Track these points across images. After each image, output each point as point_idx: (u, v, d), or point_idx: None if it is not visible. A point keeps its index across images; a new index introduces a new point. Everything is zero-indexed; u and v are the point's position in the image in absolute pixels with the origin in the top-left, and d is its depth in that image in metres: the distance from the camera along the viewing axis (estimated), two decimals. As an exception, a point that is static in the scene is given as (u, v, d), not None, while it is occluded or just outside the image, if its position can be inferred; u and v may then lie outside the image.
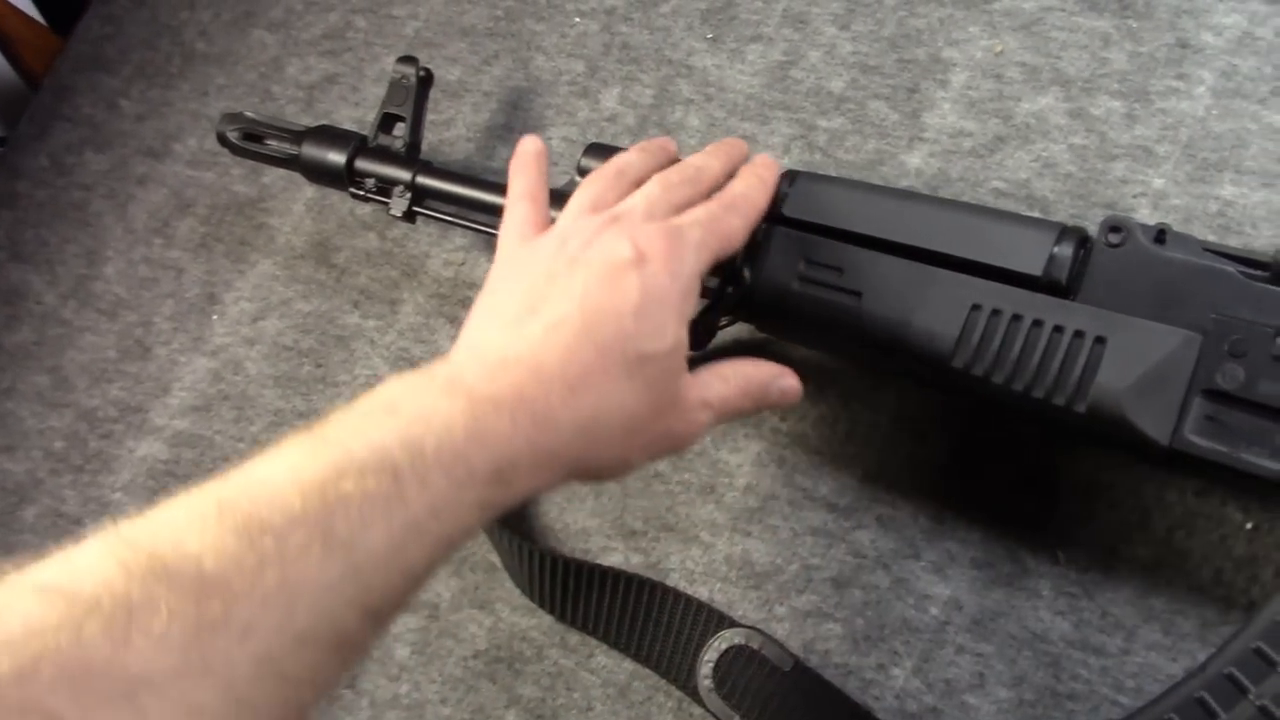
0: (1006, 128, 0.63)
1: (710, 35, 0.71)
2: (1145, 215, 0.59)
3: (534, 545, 0.61)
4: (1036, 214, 0.60)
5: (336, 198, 0.76)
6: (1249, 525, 0.52)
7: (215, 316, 0.76)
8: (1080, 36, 0.63)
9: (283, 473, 0.39)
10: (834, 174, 0.65)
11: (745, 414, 0.54)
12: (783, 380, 0.53)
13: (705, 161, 0.55)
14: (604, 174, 0.55)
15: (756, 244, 0.57)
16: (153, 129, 0.84)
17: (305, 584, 0.38)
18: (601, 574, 0.59)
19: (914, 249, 0.54)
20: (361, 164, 0.68)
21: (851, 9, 0.69)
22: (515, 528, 0.62)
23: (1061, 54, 0.63)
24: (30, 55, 0.90)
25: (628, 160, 0.56)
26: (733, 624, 0.57)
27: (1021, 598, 0.54)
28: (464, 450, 0.42)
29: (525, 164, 0.56)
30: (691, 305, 0.49)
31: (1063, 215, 0.60)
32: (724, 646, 0.56)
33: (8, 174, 0.88)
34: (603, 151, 0.63)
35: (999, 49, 0.65)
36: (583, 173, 0.63)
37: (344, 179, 0.68)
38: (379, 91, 0.78)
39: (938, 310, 0.53)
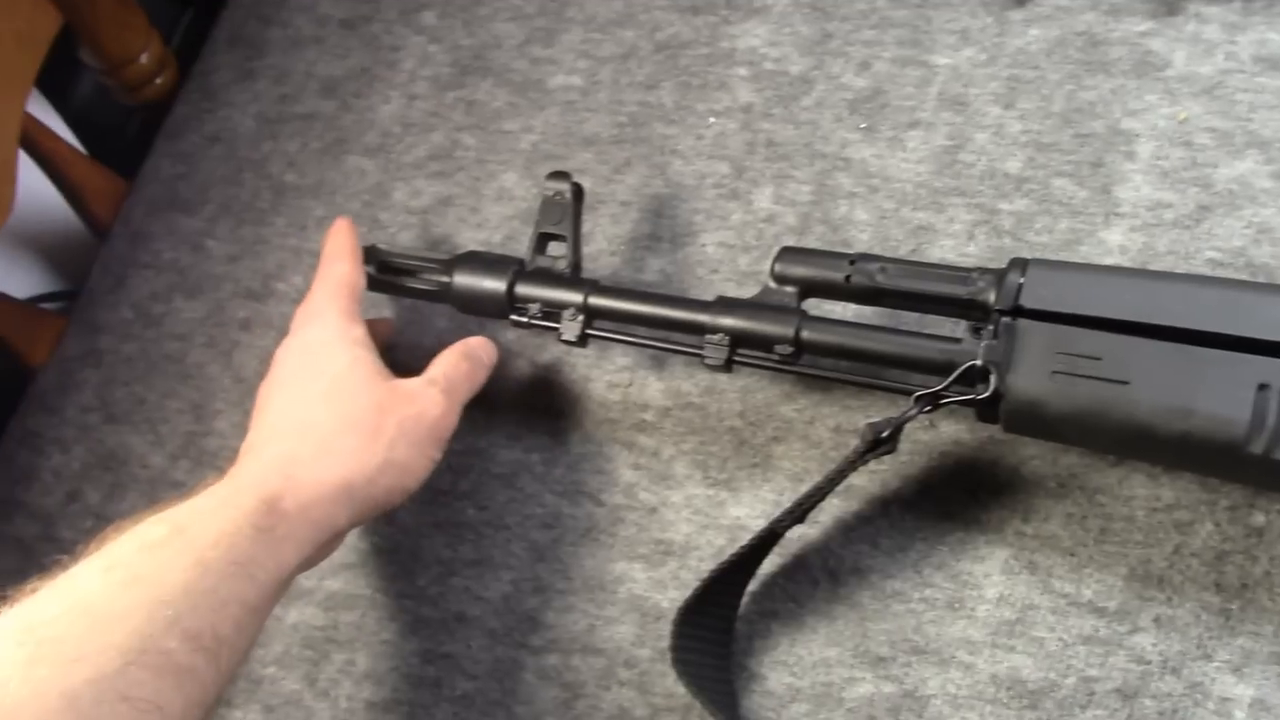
0: (1209, 196, 0.61)
1: (863, 125, 0.69)
2: (1381, 273, 0.57)
3: None
4: (1263, 280, 0.58)
5: (474, 326, 0.71)
6: None
7: (353, 464, 0.70)
8: (1267, 97, 0.62)
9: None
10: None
11: (470, 379, 0.63)
12: (475, 340, 0.65)
13: None
14: None
15: (996, 342, 0.54)
16: (249, 269, 0.79)
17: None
18: None
19: (1180, 330, 0.51)
20: (523, 289, 0.64)
21: (1012, 87, 0.67)
22: (730, 704, 0.57)
23: (1251, 116, 0.62)
24: (97, 203, 0.85)
25: None
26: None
27: (1335, 691, 0.51)
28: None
29: None
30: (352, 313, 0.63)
31: (1290, 280, 0.58)
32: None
33: (86, 330, 0.82)
34: (797, 255, 0.60)
35: (1183, 116, 0.63)
36: (779, 280, 0.60)
37: (505, 307, 0.64)
38: (502, 210, 0.75)
39: (1220, 393, 0.50)
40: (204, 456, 0.74)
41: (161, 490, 0.74)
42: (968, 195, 0.65)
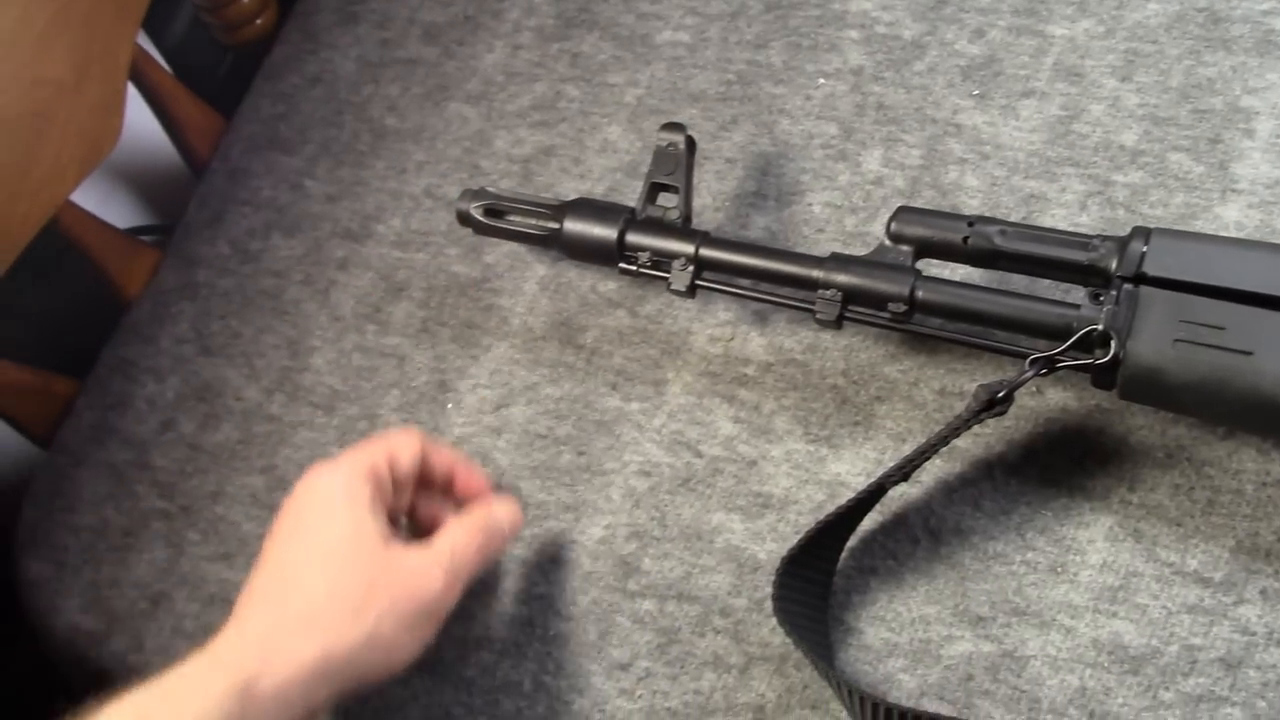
0: (1330, 176, 0.61)
1: (976, 92, 0.69)
2: None
3: (866, 694, 0.55)
4: (1383, 263, 0.58)
5: (574, 275, 0.72)
6: None
7: (450, 405, 0.71)
8: (1394, 79, 0.62)
9: None
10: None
11: (481, 554, 0.59)
12: (499, 506, 0.61)
13: None
14: None
15: (1117, 308, 0.54)
16: (348, 210, 0.80)
17: None
18: None
19: (1311, 304, 0.51)
20: (634, 237, 0.64)
21: (1130, 60, 0.67)
22: (826, 655, 0.57)
23: (1376, 98, 0.62)
24: (197, 138, 0.86)
25: None
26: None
27: None
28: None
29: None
30: (358, 498, 0.58)
31: None
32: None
33: (182, 263, 0.83)
34: (915, 215, 0.60)
35: (1305, 95, 0.63)
36: (895, 238, 0.60)
37: (614, 254, 0.65)
38: (605, 162, 0.75)
39: (1347, 368, 0.50)
40: (299, 392, 0.75)
41: (255, 423, 0.75)
42: (1081, 166, 0.65)
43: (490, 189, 0.69)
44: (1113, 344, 0.54)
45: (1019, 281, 0.62)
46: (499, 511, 0.61)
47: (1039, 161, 0.66)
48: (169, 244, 0.84)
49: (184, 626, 0.71)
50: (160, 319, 0.81)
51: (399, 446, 0.61)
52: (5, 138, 0.69)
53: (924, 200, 0.67)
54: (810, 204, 0.69)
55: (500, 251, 0.74)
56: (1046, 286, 0.61)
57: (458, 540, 0.59)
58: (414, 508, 0.63)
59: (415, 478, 0.62)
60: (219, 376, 0.78)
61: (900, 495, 0.61)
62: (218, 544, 0.72)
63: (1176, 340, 0.53)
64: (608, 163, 0.75)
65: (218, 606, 0.71)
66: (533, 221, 0.67)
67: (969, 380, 0.62)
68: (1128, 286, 0.54)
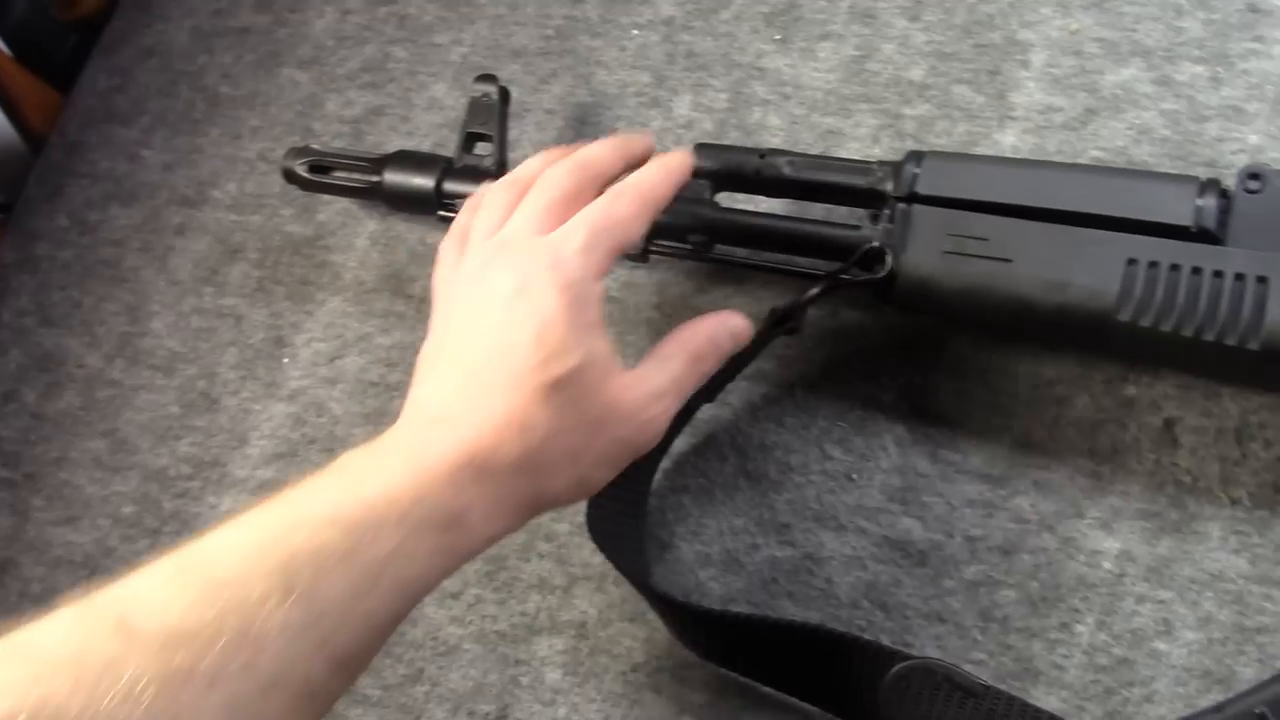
0: (1095, 100, 0.65)
1: (778, 37, 0.72)
2: (1247, 169, 0.61)
3: (674, 600, 0.58)
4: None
5: (403, 228, 0.74)
6: (1407, 448, 0.54)
7: (286, 360, 0.73)
8: (1152, 9, 0.66)
9: (236, 534, 0.42)
10: (932, 157, 0.66)
11: (708, 374, 0.55)
12: (729, 323, 0.56)
13: (596, 153, 0.55)
14: (497, 191, 0.56)
15: (893, 226, 0.57)
16: (184, 177, 0.81)
17: (268, 632, 0.40)
18: (770, 628, 0.56)
19: (1059, 212, 0.55)
20: (451, 185, 0.67)
21: (918, 1, 0.70)
22: (642, 570, 0.60)
23: (1136, 27, 0.66)
24: (34, 115, 0.86)
25: (528, 169, 0.56)
26: (906, 657, 0.52)
27: (1193, 541, 0.55)
28: (410, 507, 0.44)
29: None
30: (594, 310, 0.50)
31: (1165, 177, 0.62)
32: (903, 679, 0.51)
33: (22, 238, 0.83)
34: (711, 150, 0.63)
35: (1075, 27, 0.67)
36: (694, 174, 0.63)
37: (433, 203, 0.67)
38: (432, 119, 0.77)
39: (1094, 268, 0.54)
40: (139, 356, 0.76)
41: (97, 389, 0.76)
42: (874, 101, 0.69)
43: (314, 145, 0.71)
44: (888, 259, 0.57)
45: (819, 210, 0.65)
46: (738, 326, 0.56)
47: (835, 99, 0.70)
48: (8, 221, 0.85)
49: (30, 590, 0.72)
50: (0, 294, 0.82)
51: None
52: None
53: (731, 141, 0.70)
54: (625, 149, 0.72)
55: (332, 210, 0.76)
56: (845, 213, 0.65)
57: (680, 370, 0.53)
58: None
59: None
60: (60, 346, 0.79)
61: (711, 417, 0.64)
62: (63, 508, 0.73)
63: (945, 252, 0.56)
64: (435, 119, 0.77)
65: (64, 569, 0.72)
66: (356, 175, 0.69)
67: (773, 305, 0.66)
68: (902, 206, 0.58)
